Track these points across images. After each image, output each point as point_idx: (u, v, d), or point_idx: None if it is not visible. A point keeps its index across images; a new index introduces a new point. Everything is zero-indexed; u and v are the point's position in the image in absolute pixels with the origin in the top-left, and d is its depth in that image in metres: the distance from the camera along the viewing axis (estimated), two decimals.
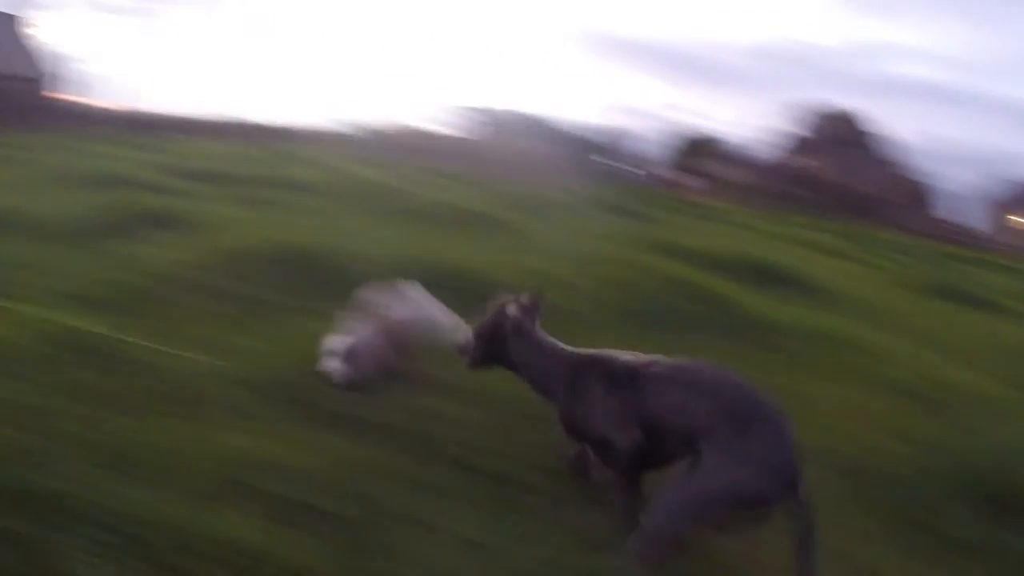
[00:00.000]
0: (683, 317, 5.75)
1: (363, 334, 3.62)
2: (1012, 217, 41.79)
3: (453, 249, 6.69)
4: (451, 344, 3.28)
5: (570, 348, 2.98)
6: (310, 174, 13.24)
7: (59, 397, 3.07)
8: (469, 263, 5.86)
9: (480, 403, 3.56)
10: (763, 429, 2.45)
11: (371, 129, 33.89)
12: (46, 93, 32.89)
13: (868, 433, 4.02)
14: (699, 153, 38.01)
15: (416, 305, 3.80)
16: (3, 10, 32.92)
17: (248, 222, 7.26)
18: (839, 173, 37.45)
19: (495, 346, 3.03)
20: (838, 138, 40.04)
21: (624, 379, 2.73)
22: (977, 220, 40.56)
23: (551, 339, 3.02)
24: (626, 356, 2.83)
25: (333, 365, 3.56)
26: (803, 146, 40.20)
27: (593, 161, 34.40)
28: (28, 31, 33.82)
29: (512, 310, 3.00)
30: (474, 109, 36.77)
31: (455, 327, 3.65)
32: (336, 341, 3.61)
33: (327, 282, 5.16)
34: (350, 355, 3.54)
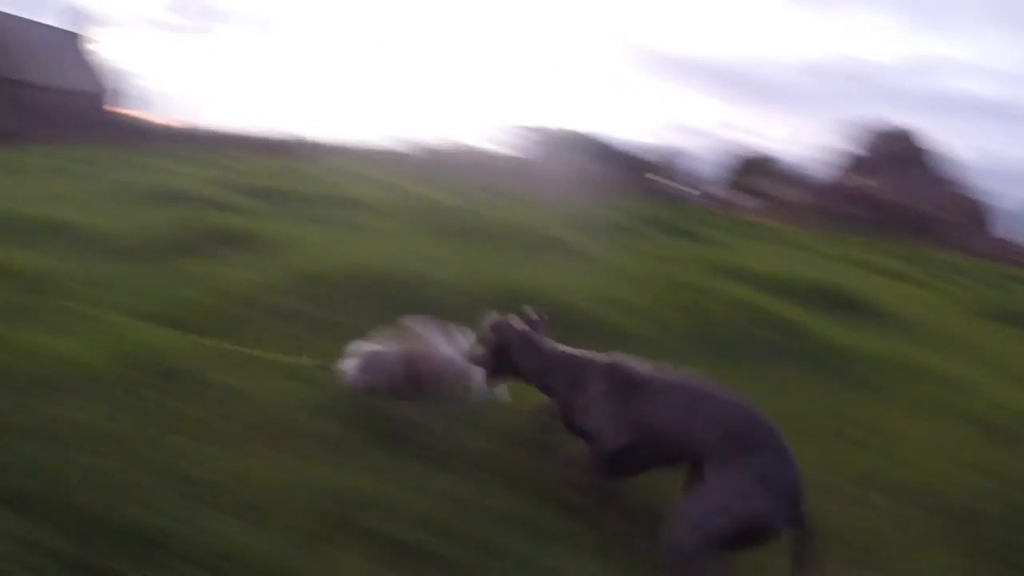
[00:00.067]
0: (755, 344, 5.67)
1: (389, 350, 3.68)
2: None
3: (519, 270, 6.70)
4: (465, 357, 3.49)
5: (580, 351, 3.14)
6: (369, 192, 13.31)
7: (141, 422, 2.90)
8: (541, 286, 5.85)
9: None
10: (764, 451, 2.51)
11: (427, 147, 34.14)
12: (107, 108, 34.10)
13: (953, 468, 3.95)
14: (754, 172, 37.33)
15: (451, 348, 3.81)
16: (67, 28, 34.09)
17: (317, 242, 7.35)
18: (896, 192, 36.51)
19: (504, 359, 3.25)
20: (894, 156, 39.04)
21: (629, 383, 2.86)
22: None
23: (558, 344, 3.21)
24: (635, 362, 2.97)
25: (349, 365, 3.62)
26: (859, 164, 39.28)
27: (648, 180, 34.20)
28: (90, 48, 34.92)
29: (516, 323, 3.26)
30: (529, 128, 36.66)
31: (474, 379, 3.66)
32: (362, 346, 3.69)
33: (402, 305, 5.14)
34: (368, 362, 3.61)
